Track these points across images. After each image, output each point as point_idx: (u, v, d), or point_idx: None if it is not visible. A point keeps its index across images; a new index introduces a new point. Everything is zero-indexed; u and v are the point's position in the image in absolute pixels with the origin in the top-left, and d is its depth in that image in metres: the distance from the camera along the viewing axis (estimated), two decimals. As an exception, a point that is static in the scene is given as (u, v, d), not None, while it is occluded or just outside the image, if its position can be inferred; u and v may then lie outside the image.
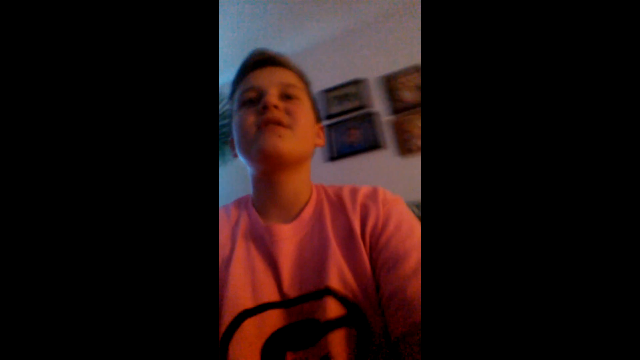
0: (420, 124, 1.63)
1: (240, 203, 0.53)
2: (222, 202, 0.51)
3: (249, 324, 0.37)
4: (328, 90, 1.91)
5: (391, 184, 1.55)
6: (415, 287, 0.32)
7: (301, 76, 0.52)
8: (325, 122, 1.84)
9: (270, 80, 0.47)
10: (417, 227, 0.41)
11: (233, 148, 0.53)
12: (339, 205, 0.47)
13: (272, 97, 0.44)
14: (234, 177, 1.84)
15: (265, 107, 0.43)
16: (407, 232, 0.39)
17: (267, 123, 0.43)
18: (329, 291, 0.38)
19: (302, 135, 0.45)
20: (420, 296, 0.31)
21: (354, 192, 0.48)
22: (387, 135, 1.70)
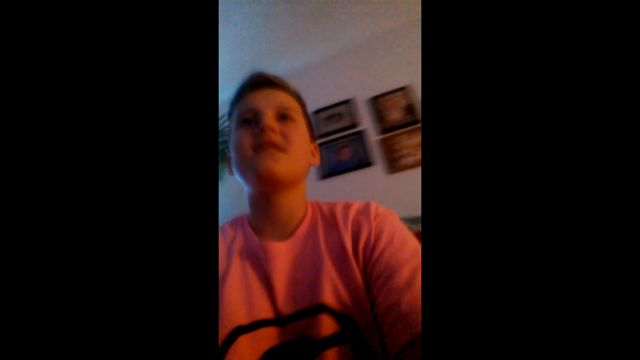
0: (408, 143, 1.67)
1: (236, 222, 0.53)
2: (219, 219, 0.51)
3: (243, 341, 0.36)
4: (318, 111, 1.96)
5: (381, 201, 1.56)
6: (409, 299, 0.32)
7: (297, 97, 0.54)
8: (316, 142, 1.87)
9: (267, 102, 0.48)
10: (410, 240, 0.41)
11: (230, 165, 0.54)
12: (332, 222, 0.48)
13: (269, 119, 0.45)
14: (232, 194, 1.82)
15: (262, 130, 0.44)
16: (400, 245, 0.40)
17: (263, 146, 0.44)
18: (323, 308, 0.37)
19: (297, 156, 0.46)
20: (416, 309, 0.31)
21: (346, 208, 0.49)
22: (376, 153, 1.74)
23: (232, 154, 0.50)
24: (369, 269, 0.40)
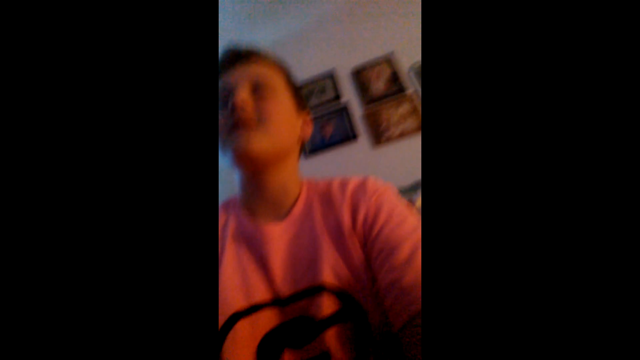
0: (393, 113, 1.65)
1: (227, 205, 0.51)
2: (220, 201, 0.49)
3: (242, 325, 0.36)
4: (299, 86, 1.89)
5: (368, 174, 1.57)
6: (411, 275, 0.32)
7: (277, 66, 0.50)
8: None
9: (240, 78, 0.45)
10: (409, 215, 0.41)
11: None
12: (329, 199, 0.46)
13: (239, 96, 0.42)
14: (228, 176, 1.78)
15: (232, 109, 0.42)
16: (399, 220, 0.39)
17: (235, 125, 0.42)
18: (323, 287, 0.37)
19: (275, 131, 0.43)
20: (418, 285, 0.31)
21: (343, 184, 0.47)
22: (361, 126, 1.71)
23: None
24: (368, 246, 0.39)
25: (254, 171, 0.44)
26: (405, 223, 0.39)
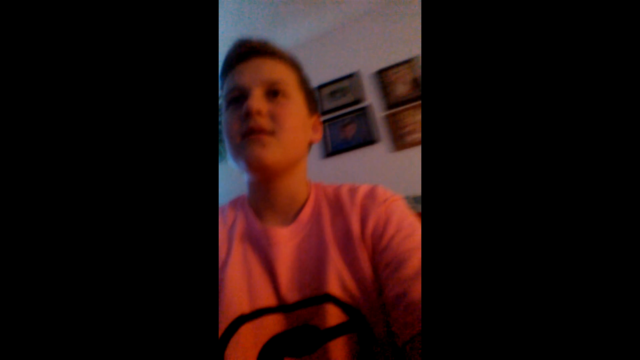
0: (414, 118, 1.62)
1: (236, 204, 0.51)
2: (220, 199, 0.50)
3: (245, 330, 0.36)
4: (321, 86, 1.89)
5: (387, 179, 1.55)
6: (418, 290, 0.31)
7: (291, 64, 0.48)
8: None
9: (254, 77, 0.43)
10: (418, 227, 0.40)
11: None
12: (337, 206, 0.46)
13: (255, 101, 0.41)
14: (232, 174, 1.81)
15: (248, 115, 0.40)
16: (409, 232, 0.38)
17: (250, 132, 0.40)
18: (329, 297, 0.37)
19: (289, 140, 0.42)
20: None
21: (352, 192, 0.46)
22: (382, 130, 1.69)
23: (224, 137, 0.46)
24: (377, 256, 0.38)
25: (266, 178, 0.44)
26: (415, 235, 0.37)
